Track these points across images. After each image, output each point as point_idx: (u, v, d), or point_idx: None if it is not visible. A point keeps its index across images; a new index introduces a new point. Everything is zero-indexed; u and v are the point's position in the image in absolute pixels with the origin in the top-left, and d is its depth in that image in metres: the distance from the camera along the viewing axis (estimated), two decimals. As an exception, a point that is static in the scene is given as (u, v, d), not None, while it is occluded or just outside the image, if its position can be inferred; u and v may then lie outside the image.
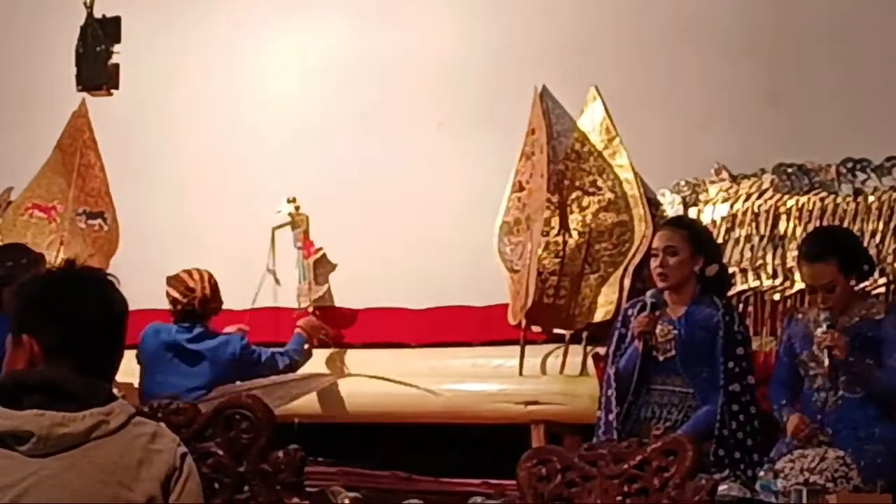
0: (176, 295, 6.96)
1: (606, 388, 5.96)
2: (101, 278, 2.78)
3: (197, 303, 6.92)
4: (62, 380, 2.63)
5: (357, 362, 7.62)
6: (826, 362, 5.61)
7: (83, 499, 2.56)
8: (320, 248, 7.81)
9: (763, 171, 7.06)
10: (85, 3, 7.94)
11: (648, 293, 5.94)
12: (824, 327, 5.62)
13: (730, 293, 6.35)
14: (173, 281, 6.99)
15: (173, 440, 2.68)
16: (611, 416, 5.83)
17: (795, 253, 6.77)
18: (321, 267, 7.81)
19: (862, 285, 5.98)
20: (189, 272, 6.99)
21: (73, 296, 2.71)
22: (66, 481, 2.56)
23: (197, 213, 8.07)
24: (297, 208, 7.81)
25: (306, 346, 7.41)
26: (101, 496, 2.56)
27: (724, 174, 7.13)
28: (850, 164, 6.87)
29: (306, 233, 7.81)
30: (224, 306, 7.18)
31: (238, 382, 6.90)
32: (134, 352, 6.82)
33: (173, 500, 2.61)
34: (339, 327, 7.77)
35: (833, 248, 5.81)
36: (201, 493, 2.70)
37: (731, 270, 6.59)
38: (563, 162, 7.35)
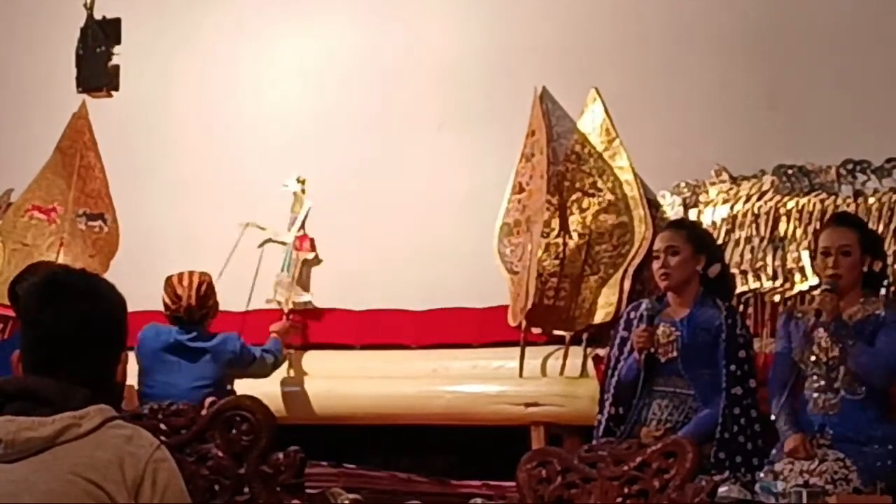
0: (166, 300, 6.98)
1: (605, 391, 5.97)
2: (75, 281, 2.77)
3: (182, 310, 6.93)
4: (36, 386, 2.65)
5: (356, 364, 7.62)
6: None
7: (52, 498, 2.56)
8: (314, 250, 7.82)
9: (763, 173, 7.06)
10: (85, 5, 7.95)
11: (644, 304, 5.92)
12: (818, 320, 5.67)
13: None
14: (166, 284, 6.99)
15: (150, 444, 2.66)
16: (609, 422, 5.85)
17: (795, 255, 6.78)
18: (307, 270, 7.82)
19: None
20: (181, 276, 6.98)
21: (39, 301, 2.72)
22: (33, 483, 2.57)
23: (197, 214, 8.07)
24: (303, 190, 7.82)
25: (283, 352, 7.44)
26: (70, 495, 2.56)
27: (725, 175, 7.12)
28: (850, 166, 6.86)
29: (303, 223, 7.81)
30: (223, 307, 7.18)
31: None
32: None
33: (147, 502, 2.60)
34: (338, 329, 7.77)
35: (860, 224, 6.06)
36: (183, 493, 2.68)
37: (731, 272, 6.57)
38: (563, 163, 7.34)
